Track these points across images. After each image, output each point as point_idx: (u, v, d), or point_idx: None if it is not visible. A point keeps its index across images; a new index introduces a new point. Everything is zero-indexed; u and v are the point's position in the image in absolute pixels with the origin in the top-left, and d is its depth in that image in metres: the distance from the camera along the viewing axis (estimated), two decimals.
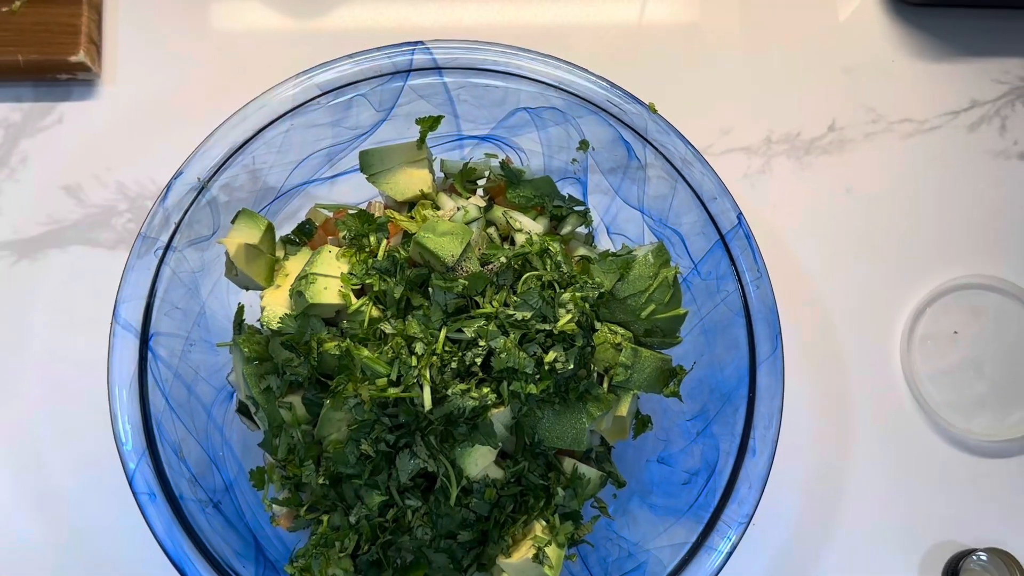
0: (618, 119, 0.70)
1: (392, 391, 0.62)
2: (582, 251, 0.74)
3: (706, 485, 0.67)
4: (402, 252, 0.67)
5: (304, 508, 0.67)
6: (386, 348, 0.63)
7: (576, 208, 0.75)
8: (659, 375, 0.68)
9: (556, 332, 0.64)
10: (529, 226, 0.71)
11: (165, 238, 0.66)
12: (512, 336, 0.63)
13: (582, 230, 0.77)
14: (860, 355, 0.87)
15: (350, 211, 0.72)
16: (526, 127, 0.74)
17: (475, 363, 0.63)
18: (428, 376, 0.62)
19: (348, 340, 0.64)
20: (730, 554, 0.64)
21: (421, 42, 0.70)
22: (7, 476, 0.81)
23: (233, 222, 0.68)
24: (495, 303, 0.64)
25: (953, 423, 0.85)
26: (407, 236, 0.68)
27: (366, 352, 0.63)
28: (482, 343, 0.63)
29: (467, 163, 0.75)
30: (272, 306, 0.66)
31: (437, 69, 0.70)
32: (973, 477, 0.85)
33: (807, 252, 0.90)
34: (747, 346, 0.67)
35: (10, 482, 0.81)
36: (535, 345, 0.64)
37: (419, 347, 0.63)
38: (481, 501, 0.64)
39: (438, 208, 0.71)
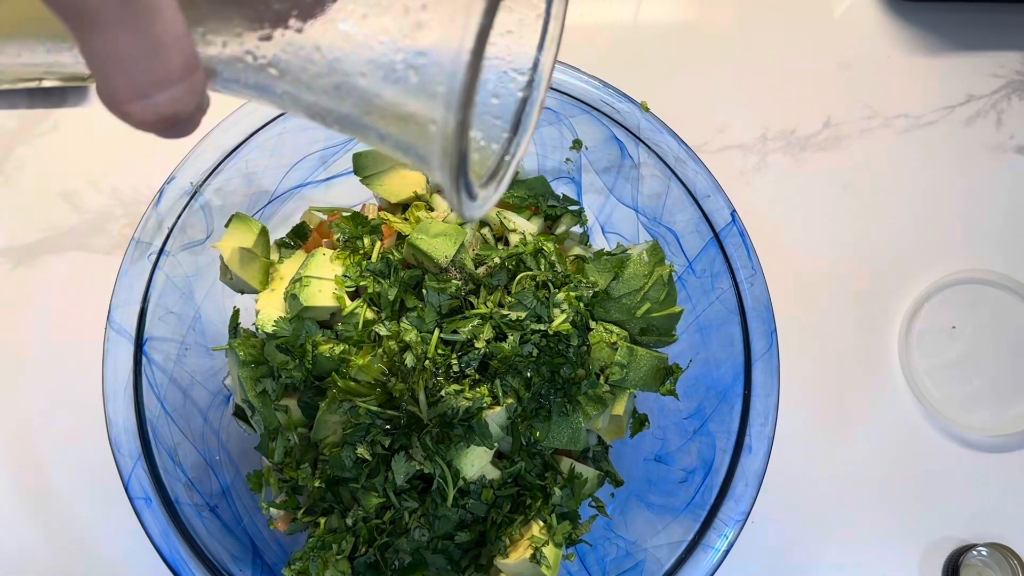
0: (611, 118, 0.70)
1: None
2: (577, 250, 0.74)
3: (703, 483, 0.66)
4: (396, 254, 0.67)
5: (301, 511, 0.67)
6: (380, 351, 0.63)
7: (570, 208, 0.75)
8: (655, 373, 0.68)
9: (551, 332, 0.64)
10: (523, 226, 0.71)
11: (159, 243, 0.66)
12: (511, 338, 0.63)
13: (577, 229, 0.77)
14: (857, 351, 0.87)
15: (344, 213, 0.72)
16: None
17: (469, 364, 0.63)
18: (422, 378, 0.62)
19: (343, 344, 0.64)
20: (727, 552, 0.64)
21: None
22: (4, 481, 0.81)
23: (227, 226, 0.68)
24: (489, 304, 0.64)
25: (952, 418, 0.85)
26: (401, 238, 0.68)
27: (361, 362, 0.63)
28: (477, 344, 0.63)
29: None
30: (267, 309, 0.66)
31: None
32: (973, 472, 0.85)
33: (803, 248, 0.89)
34: (742, 343, 0.67)
35: (7, 487, 0.81)
36: (530, 345, 0.64)
37: (413, 349, 0.63)
38: (478, 502, 0.64)
39: (432, 209, 0.71)
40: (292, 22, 0.31)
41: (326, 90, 0.32)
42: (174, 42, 0.30)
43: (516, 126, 0.38)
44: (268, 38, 0.32)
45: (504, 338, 0.63)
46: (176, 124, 0.32)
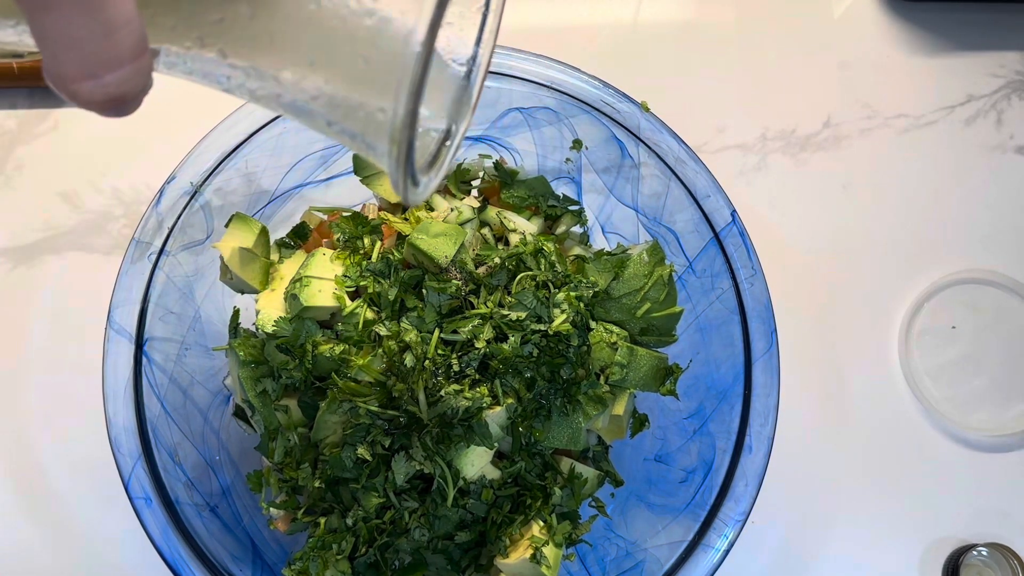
0: (611, 118, 0.70)
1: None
2: (577, 250, 0.74)
3: (703, 483, 0.66)
4: (396, 254, 0.67)
5: (301, 511, 0.67)
6: (380, 351, 0.63)
7: (571, 208, 0.75)
8: (655, 373, 0.68)
9: (551, 332, 0.64)
10: (523, 226, 0.71)
11: (159, 243, 0.66)
12: (512, 338, 0.63)
13: (577, 229, 0.77)
14: (857, 351, 0.87)
15: (344, 213, 0.72)
16: (519, 127, 0.74)
17: (470, 364, 0.63)
18: (422, 378, 0.62)
19: (343, 345, 0.64)
20: (727, 552, 0.64)
21: None
22: (4, 481, 0.81)
23: (227, 226, 0.68)
24: (490, 304, 0.64)
25: (952, 418, 0.85)
26: (401, 238, 0.68)
27: (361, 362, 0.63)
28: (477, 344, 0.63)
29: (461, 164, 0.75)
30: (267, 309, 0.66)
31: None
32: (973, 472, 0.85)
33: (803, 248, 0.89)
34: (742, 343, 0.67)
35: (7, 487, 0.81)
36: (530, 345, 0.64)
37: (413, 349, 0.63)
38: (478, 502, 0.64)
39: (432, 209, 0.71)
40: (243, 8, 0.31)
41: (274, 76, 0.32)
42: (125, 23, 0.30)
43: (455, 116, 0.39)
44: (217, 22, 0.32)
45: (504, 338, 0.63)
46: (122, 104, 0.32)
